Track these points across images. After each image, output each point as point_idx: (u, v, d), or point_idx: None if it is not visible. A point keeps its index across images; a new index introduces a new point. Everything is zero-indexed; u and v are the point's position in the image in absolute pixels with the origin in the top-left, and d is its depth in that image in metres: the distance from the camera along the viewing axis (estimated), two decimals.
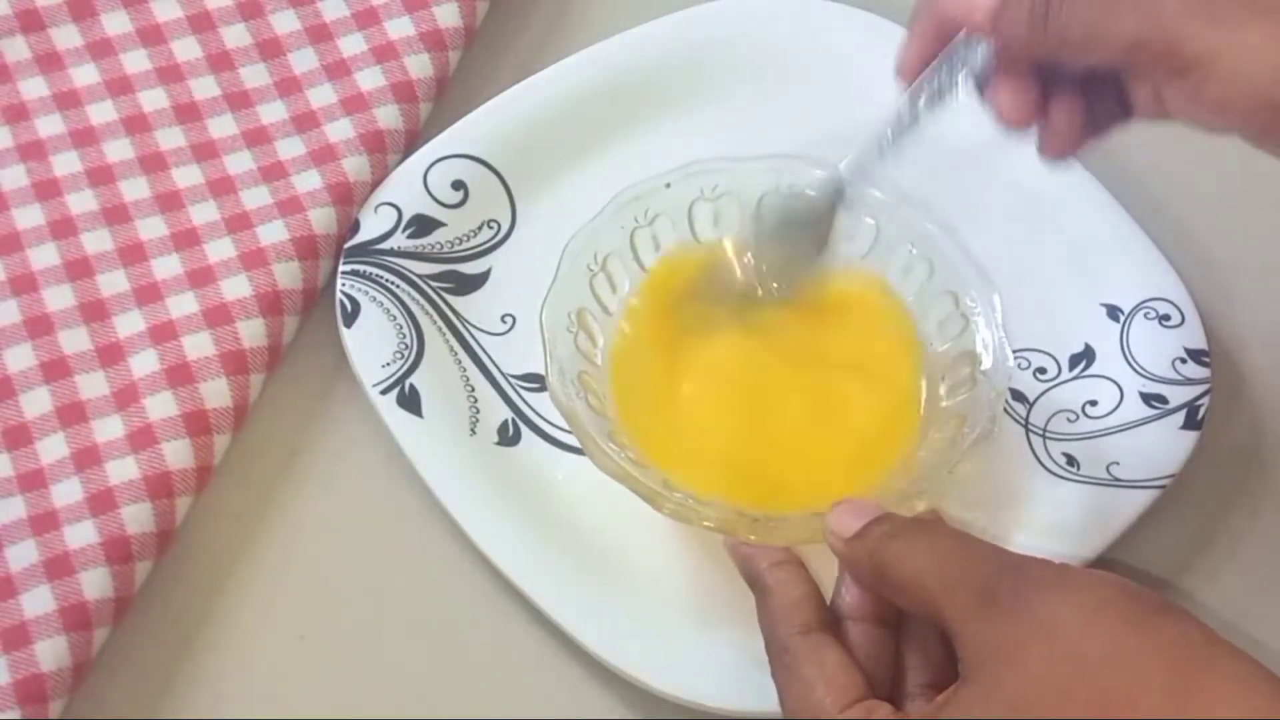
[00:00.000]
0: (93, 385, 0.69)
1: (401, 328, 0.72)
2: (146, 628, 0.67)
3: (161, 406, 0.68)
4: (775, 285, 0.71)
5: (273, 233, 0.73)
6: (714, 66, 0.79)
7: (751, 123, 0.79)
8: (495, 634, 0.68)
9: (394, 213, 0.75)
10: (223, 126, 0.76)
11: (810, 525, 0.62)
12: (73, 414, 0.69)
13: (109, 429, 0.68)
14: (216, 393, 0.69)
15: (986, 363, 0.68)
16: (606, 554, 0.69)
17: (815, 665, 0.58)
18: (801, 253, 0.71)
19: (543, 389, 0.69)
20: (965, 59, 0.65)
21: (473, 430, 0.71)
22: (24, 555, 0.65)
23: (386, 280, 0.73)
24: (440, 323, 0.73)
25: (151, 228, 0.73)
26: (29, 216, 0.73)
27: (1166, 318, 0.73)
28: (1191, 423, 0.71)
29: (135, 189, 0.74)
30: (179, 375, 0.69)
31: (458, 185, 0.76)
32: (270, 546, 0.69)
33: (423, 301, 0.73)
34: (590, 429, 0.65)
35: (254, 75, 0.78)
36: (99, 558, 0.65)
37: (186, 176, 0.75)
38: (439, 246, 0.75)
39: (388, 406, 0.70)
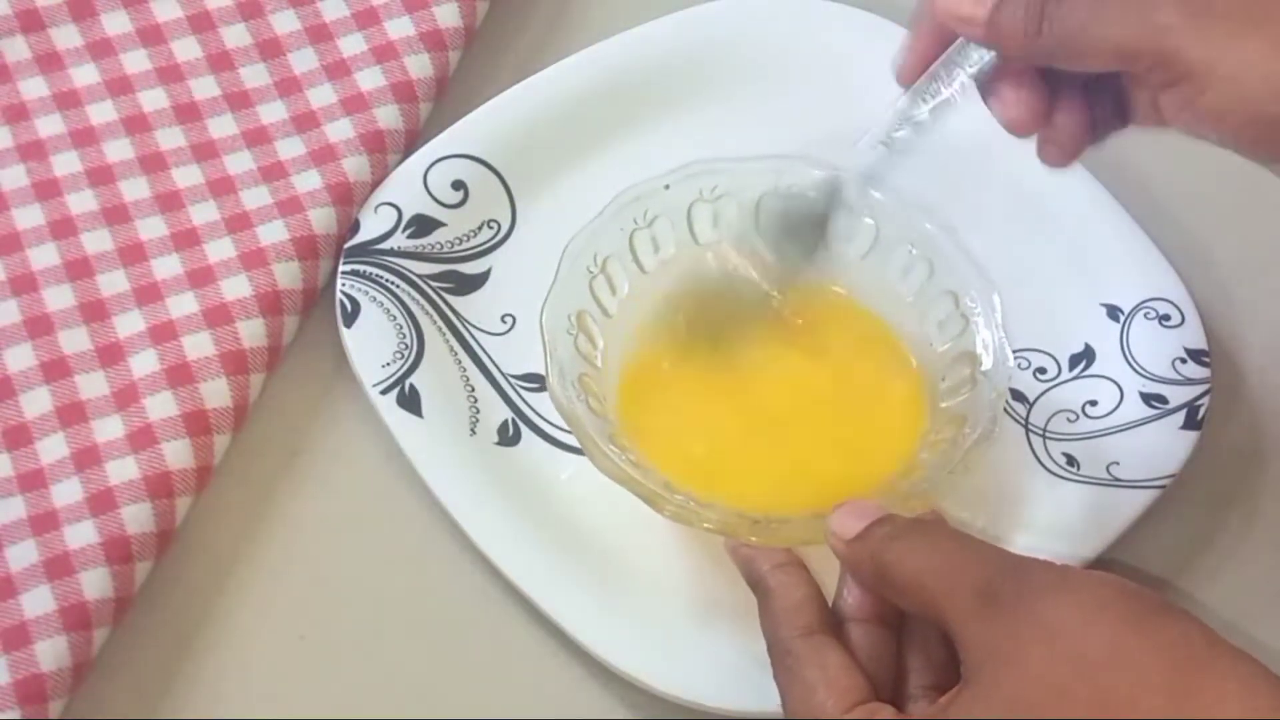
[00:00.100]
0: (93, 385, 0.69)
1: (401, 328, 0.72)
2: (146, 628, 0.67)
3: (161, 406, 0.68)
4: (775, 283, 0.71)
5: (273, 233, 0.73)
6: (714, 66, 0.79)
7: (751, 123, 0.79)
8: (495, 634, 0.68)
9: (394, 213, 0.75)
10: (223, 126, 0.76)
11: (812, 527, 0.62)
12: (73, 414, 0.69)
13: (109, 429, 0.68)
14: (216, 393, 0.69)
15: (987, 363, 0.68)
16: (606, 554, 0.69)
17: (817, 667, 0.58)
18: (800, 252, 0.71)
19: (543, 389, 0.69)
20: (963, 63, 0.65)
21: (473, 430, 0.71)
22: (24, 555, 0.65)
23: (386, 280, 0.73)
24: (440, 323, 0.73)
25: (151, 228, 0.73)
26: (29, 216, 0.73)
27: (1166, 318, 0.73)
28: (1191, 423, 0.71)
29: (135, 189, 0.74)
30: (179, 375, 0.69)
31: (458, 185, 0.76)
32: (270, 546, 0.69)
33: (423, 301, 0.73)
34: (591, 431, 0.65)
35: (254, 75, 0.77)
36: (99, 558, 0.65)
37: (186, 176, 0.75)
38: (439, 246, 0.75)
39: (388, 406, 0.70)
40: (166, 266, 0.72)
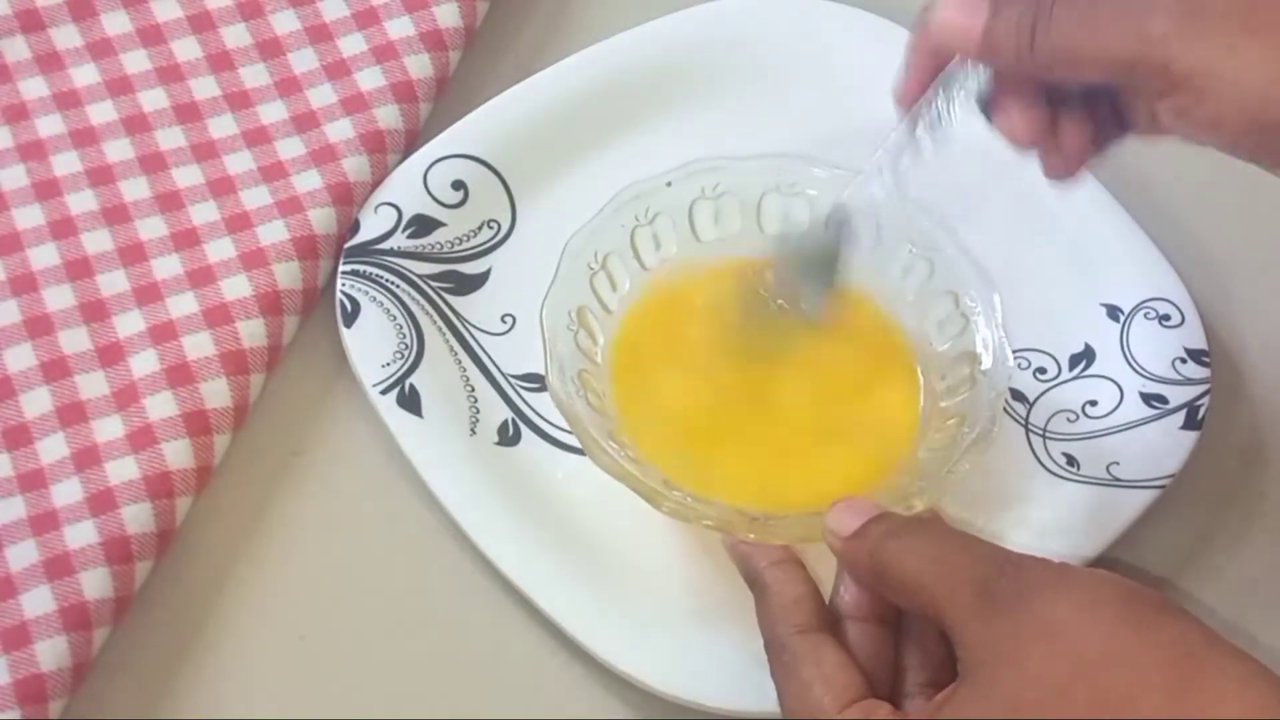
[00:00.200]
0: (93, 385, 0.69)
1: (401, 328, 0.72)
2: (146, 628, 0.67)
3: (161, 406, 0.68)
4: (799, 311, 0.70)
5: (273, 233, 0.73)
6: (714, 66, 0.79)
7: (751, 123, 0.79)
8: (495, 634, 0.68)
9: (394, 213, 0.75)
10: (223, 126, 0.76)
11: (809, 524, 0.62)
12: (73, 414, 0.69)
13: (109, 429, 0.68)
14: (216, 393, 0.69)
15: (986, 362, 0.68)
16: (606, 554, 0.69)
17: (814, 665, 0.58)
18: (818, 288, 0.70)
19: (543, 389, 0.69)
20: (961, 83, 0.64)
21: (473, 430, 0.71)
22: (24, 555, 0.65)
23: (386, 280, 0.73)
24: (440, 323, 0.73)
25: (151, 228, 0.73)
26: (29, 216, 0.73)
27: (1166, 318, 0.73)
28: (1191, 423, 0.71)
29: (135, 189, 0.74)
30: (179, 375, 0.69)
31: (458, 185, 0.76)
32: (270, 546, 0.69)
33: (423, 301, 0.73)
34: (590, 427, 0.65)
35: (254, 75, 0.78)
36: (99, 558, 0.65)
37: (186, 176, 0.75)
38: (439, 246, 0.75)
39: (388, 406, 0.70)
40: (166, 266, 0.72)
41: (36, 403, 0.69)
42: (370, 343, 0.72)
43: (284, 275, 0.72)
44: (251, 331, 0.71)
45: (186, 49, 0.78)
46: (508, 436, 0.71)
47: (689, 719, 0.66)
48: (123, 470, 0.67)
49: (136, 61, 0.77)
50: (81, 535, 0.65)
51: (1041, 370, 0.74)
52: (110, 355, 0.70)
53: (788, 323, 0.70)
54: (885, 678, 0.59)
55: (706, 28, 0.80)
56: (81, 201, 0.74)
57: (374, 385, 0.71)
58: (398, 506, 0.70)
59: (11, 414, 0.69)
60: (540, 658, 0.67)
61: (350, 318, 0.72)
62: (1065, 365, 0.74)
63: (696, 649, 0.66)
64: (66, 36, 0.78)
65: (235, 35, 0.78)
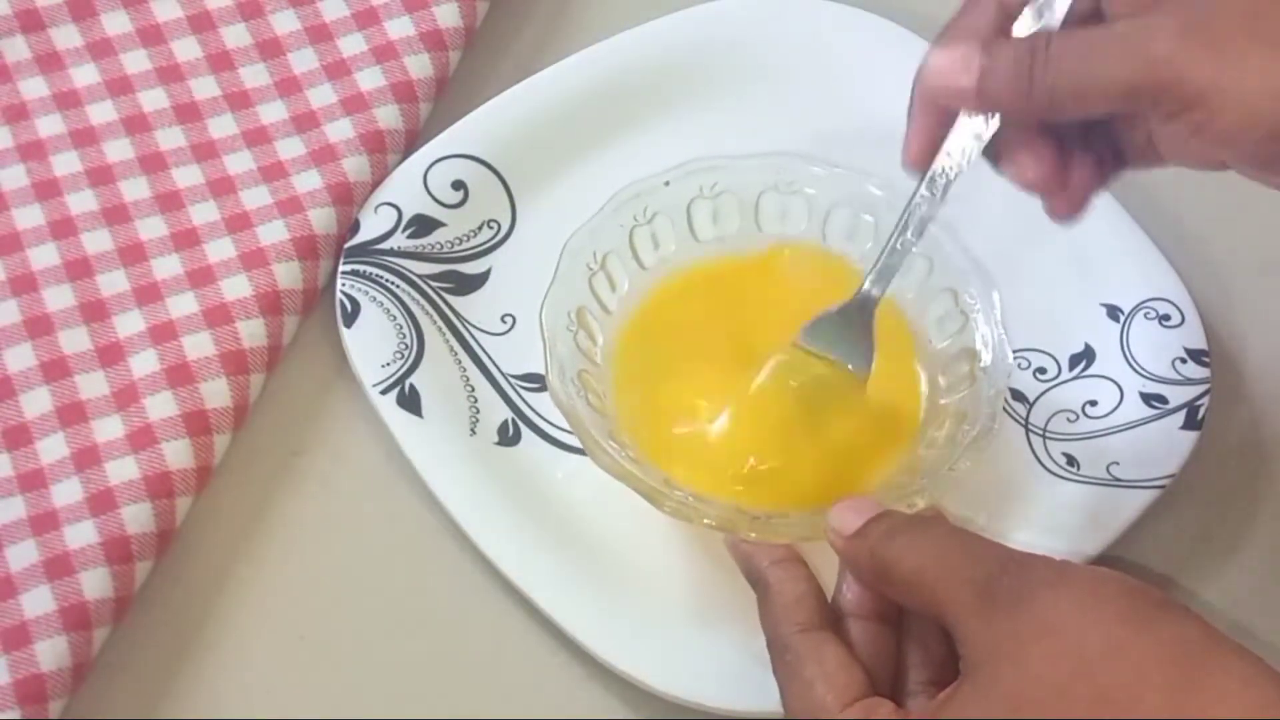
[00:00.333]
0: (93, 385, 0.69)
1: (401, 328, 0.72)
2: (146, 628, 0.67)
3: (161, 406, 0.68)
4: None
5: (273, 233, 0.73)
6: (714, 66, 0.79)
7: (751, 123, 0.79)
8: (495, 634, 0.68)
9: (394, 213, 0.75)
10: (223, 126, 0.76)
11: (811, 523, 0.62)
12: (73, 414, 0.69)
13: (109, 429, 0.68)
14: (216, 393, 0.69)
15: (986, 360, 0.68)
16: (607, 554, 0.69)
17: (816, 663, 0.58)
18: (850, 362, 0.69)
19: (543, 389, 0.69)
20: (968, 139, 0.63)
21: (473, 430, 0.71)
22: (24, 555, 0.65)
23: (386, 280, 0.73)
24: (440, 323, 0.73)
25: (151, 228, 0.73)
26: (29, 216, 0.73)
27: (1166, 318, 0.73)
28: (1191, 423, 0.71)
29: (135, 189, 0.74)
30: (179, 375, 0.69)
31: (458, 185, 0.76)
32: (270, 546, 0.69)
33: (423, 301, 0.73)
34: (590, 427, 0.65)
35: (254, 75, 0.78)
36: (99, 558, 0.65)
37: (186, 176, 0.75)
38: (439, 246, 0.75)
39: (388, 406, 0.70)
40: (166, 266, 0.72)
41: (36, 403, 0.69)
42: (370, 343, 0.72)
43: (284, 275, 0.72)
44: (251, 331, 0.71)
45: (186, 49, 0.78)
46: (508, 436, 0.71)
47: (689, 719, 0.66)
48: (123, 470, 0.67)
49: (136, 61, 0.77)
50: (81, 535, 0.65)
51: (1041, 370, 0.74)
52: (110, 355, 0.70)
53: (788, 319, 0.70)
54: (887, 676, 0.59)
55: (706, 28, 0.80)
56: (81, 201, 0.74)
57: (374, 385, 0.71)
58: (398, 506, 0.70)
59: (11, 414, 0.69)
60: (540, 658, 0.67)
61: (350, 318, 0.72)
62: (1065, 365, 0.74)
63: (696, 649, 0.66)
64: (66, 36, 0.78)
65: (235, 35, 0.78)
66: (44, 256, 0.72)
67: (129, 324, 0.71)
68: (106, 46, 0.78)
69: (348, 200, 0.74)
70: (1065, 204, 0.63)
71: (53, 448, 0.68)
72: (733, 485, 0.66)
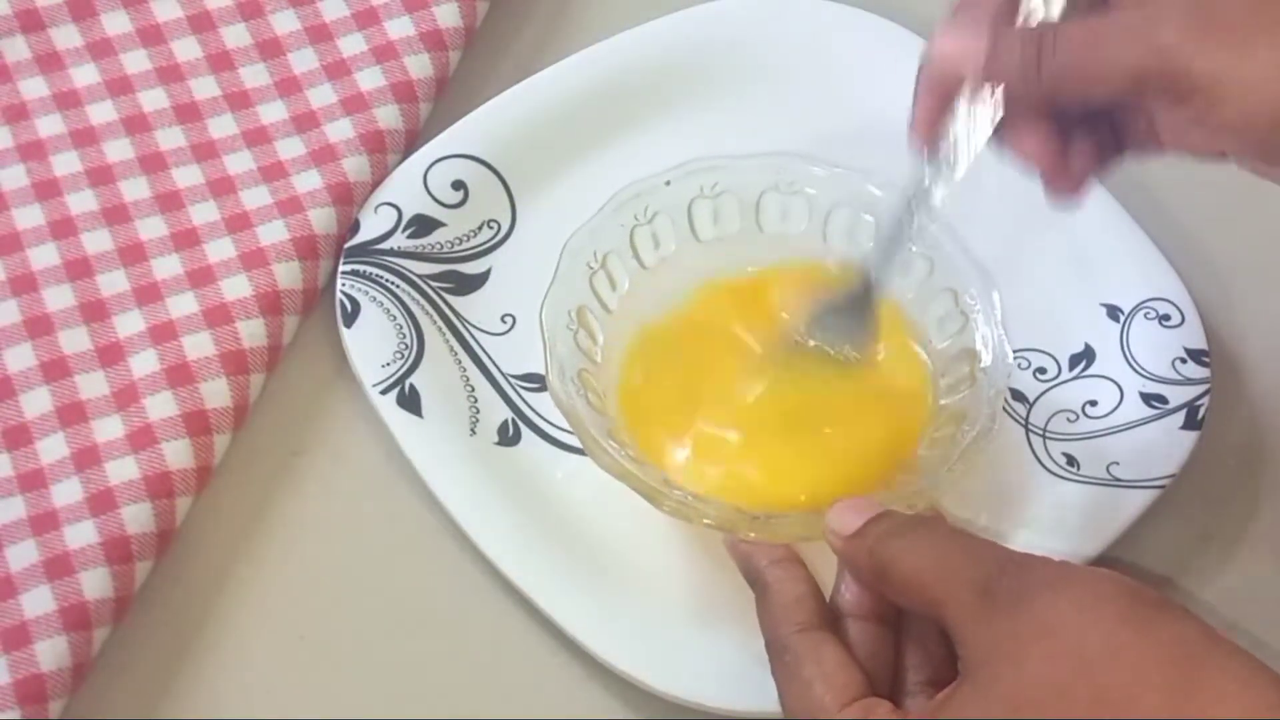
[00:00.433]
0: (93, 385, 0.69)
1: (401, 328, 0.72)
2: (146, 628, 0.67)
3: (161, 406, 0.68)
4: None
5: (273, 233, 0.73)
6: (714, 66, 0.79)
7: (751, 123, 0.79)
8: (495, 634, 0.68)
9: (394, 213, 0.75)
10: (223, 126, 0.76)
11: (810, 523, 0.62)
12: (73, 414, 0.69)
13: (109, 429, 0.68)
14: (216, 393, 0.69)
15: (986, 360, 0.68)
16: (607, 554, 0.69)
17: (814, 664, 0.58)
18: (852, 342, 0.69)
19: (543, 389, 0.69)
20: (976, 119, 0.63)
21: (473, 430, 0.71)
22: (24, 555, 0.65)
23: (386, 280, 0.73)
24: (440, 323, 0.73)
25: (151, 228, 0.73)
26: (29, 216, 0.73)
27: (1166, 318, 0.73)
28: (1191, 423, 0.71)
29: (135, 189, 0.74)
30: (179, 375, 0.69)
31: (458, 185, 0.76)
32: (270, 546, 0.69)
33: (423, 301, 0.73)
34: (590, 427, 0.65)
35: (254, 75, 0.78)
36: (99, 558, 0.65)
37: (186, 176, 0.75)
38: (439, 246, 0.75)
39: (388, 406, 0.70)
40: (166, 266, 0.72)
41: (36, 403, 0.69)
42: (370, 343, 0.72)
43: (284, 275, 0.72)
44: (251, 331, 0.71)
45: (186, 49, 0.78)
46: (508, 436, 0.71)
47: (689, 719, 0.66)
48: (123, 470, 0.67)
49: (136, 61, 0.77)
50: (81, 535, 0.65)
51: (1041, 370, 0.74)
52: (110, 355, 0.70)
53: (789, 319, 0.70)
54: (886, 676, 0.59)
55: (706, 28, 0.80)
56: (81, 201, 0.74)
57: (374, 385, 0.71)
58: (398, 506, 0.70)
59: (11, 414, 0.69)
60: (540, 658, 0.67)
61: (350, 318, 0.72)
62: (1065, 365, 0.74)
63: (696, 649, 0.66)
64: (66, 36, 0.78)
65: (235, 35, 0.78)
66: (44, 256, 0.72)
67: (129, 324, 0.71)
68: (106, 46, 0.78)
69: (348, 200, 0.74)
70: (1065, 183, 0.63)
71: (53, 448, 0.68)
72: (732, 485, 0.66)
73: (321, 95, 0.77)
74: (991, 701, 0.53)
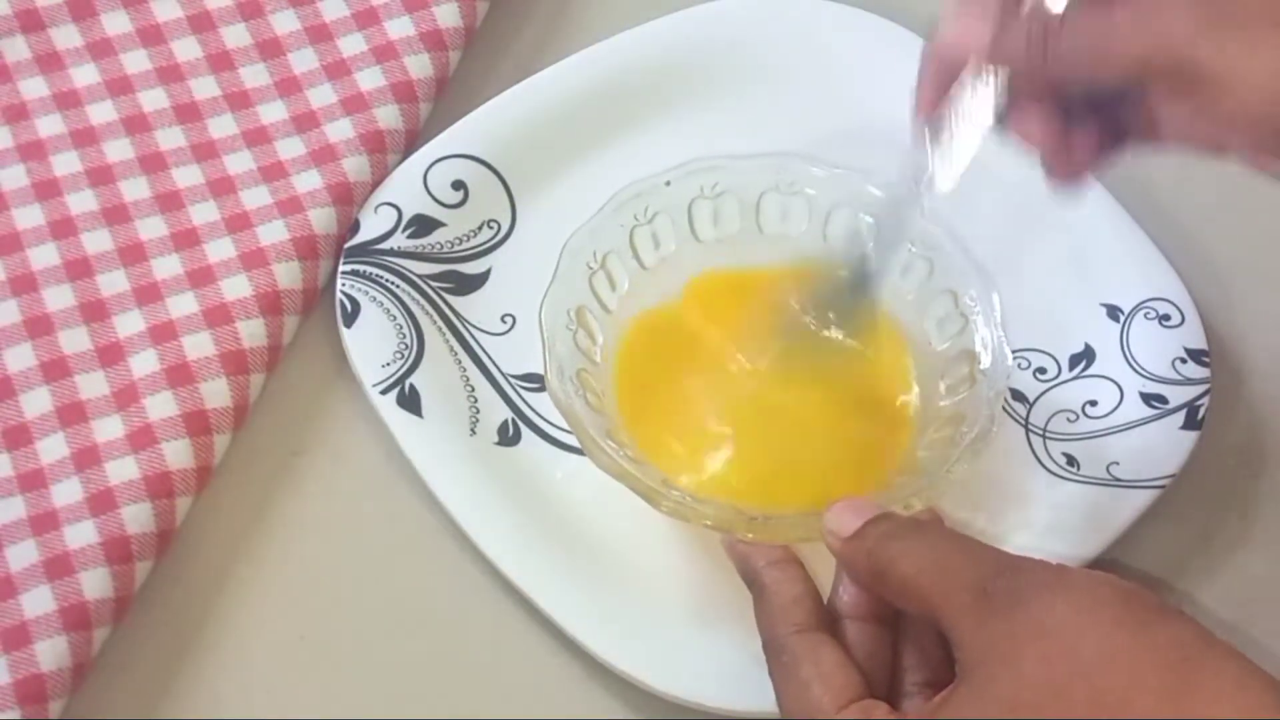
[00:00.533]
0: (93, 385, 0.69)
1: (401, 328, 0.72)
2: (146, 628, 0.67)
3: (161, 406, 0.69)
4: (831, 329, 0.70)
5: (273, 233, 0.73)
6: (714, 66, 0.79)
7: (751, 123, 0.78)
8: (495, 634, 0.68)
9: (394, 213, 0.75)
10: (223, 126, 0.76)
11: (808, 524, 0.62)
12: (73, 414, 0.69)
13: (109, 429, 0.68)
14: (216, 393, 0.69)
15: (985, 362, 0.68)
16: (607, 554, 0.69)
17: (812, 664, 0.58)
18: (850, 307, 0.70)
19: (543, 389, 0.69)
20: (979, 99, 0.63)
21: (473, 430, 0.71)
22: (24, 555, 0.65)
23: (386, 280, 0.73)
24: (440, 323, 0.73)
25: (151, 228, 0.73)
26: (29, 216, 0.73)
27: (1166, 318, 0.73)
28: (1191, 423, 0.71)
29: (135, 189, 0.74)
30: (179, 375, 0.69)
31: (458, 185, 0.76)
32: (270, 546, 0.69)
33: (423, 301, 0.73)
34: (588, 427, 0.65)
35: (254, 75, 0.78)
36: (99, 558, 0.65)
37: (186, 176, 0.75)
38: (439, 246, 0.75)
39: (388, 406, 0.70)
40: (166, 266, 0.72)
41: (36, 403, 0.69)
42: (370, 343, 0.72)
43: (284, 275, 0.72)
44: (251, 331, 0.71)
45: (186, 49, 0.78)
46: (508, 436, 0.71)
47: (689, 719, 0.66)
48: (123, 470, 0.67)
49: (136, 61, 0.77)
50: (81, 535, 0.65)
51: (1041, 370, 0.74)
52: (110, 355, 0.70)
53: (808, 334, 0.70)
54: (883, 677, 0.59)
55: (706, 28, 0.80)
56: (81, 201, 0.74)
57: (374, 385, 0.71)
58: (398, 506, 0.70)
59: (11, 414, 0.69)
60: (540, 658, 0.67)
61: (350, 318, 0.72)
62: (1065, 365, 0.74)
63: (696, 649, 0.66)
64: (66, 36, 0.78)
65: (235, 35, 0.78)
66: (44, 256, 0.72)
67: (129, 324, 0.71)
68: (106, 46, 0.78)
69: (348, 200, 0.74)
70: (1066, 169, 0.63)
71: (53, 448, 0.68)
72: (730, 483, 0.66)
73: (321, 95, 0.77)
74: (988, 703, 0.53)
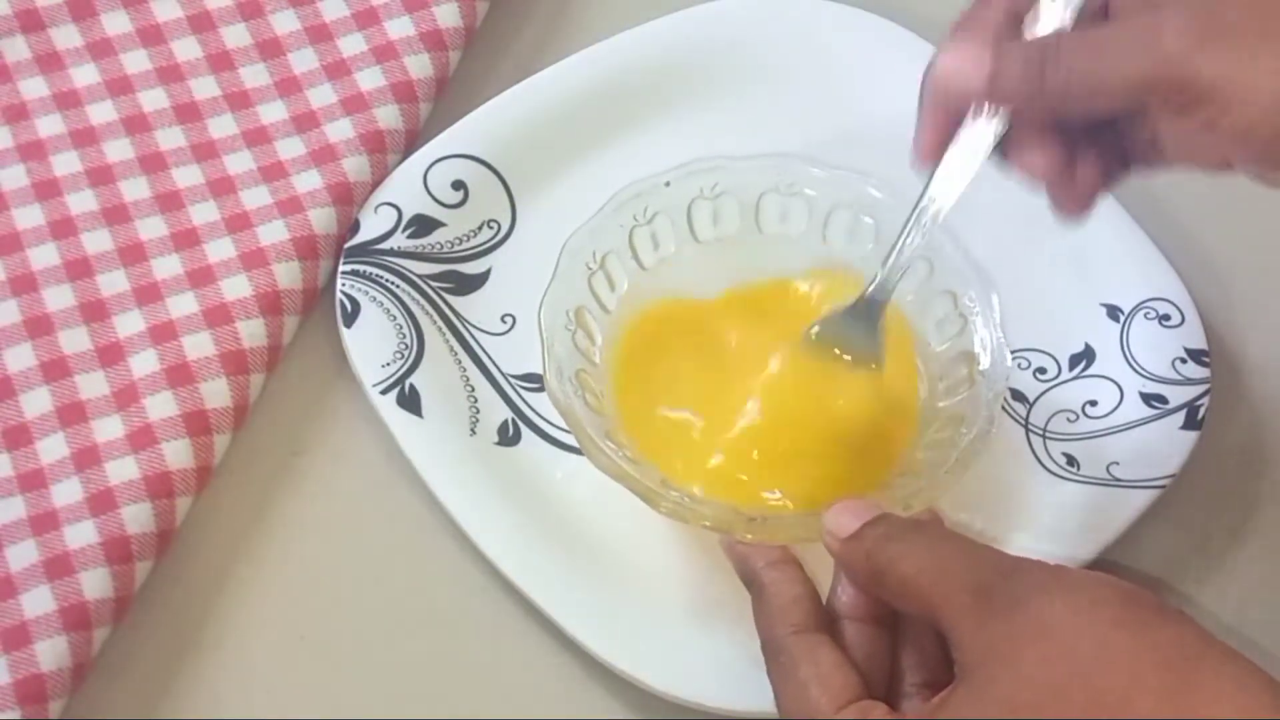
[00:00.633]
0: (93, 385, 0.69)
1: (401, 328, 0.72)
2: (146, 628, 0.67)
3: (161, 406, 0.69)
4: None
5: (273, 233, 0.73)
6: (714, 66, 0.79)
7: (751, 123, 0.79)
8: (495, 634, 0.68)
9: (394, 213, 0.75)
10: (223, 126, 0.76)
11: (807, 525, 0.62)
12: (73, 414, 0.69)
13: (109, 429, 0.68)
14: (216, 393, 0.69)
15: (984, 363, 0.68)
16: (606, 554, 0.69)
17: (810, 665, 0.58)
18: (857, 362, 0.69)
19: (543, 389, 0.69)
20: (981, 136, 0.63)
21: (473, 430, 0.71)
22: (24, 555, 0.65)
23: (386, 280, 0.73)
24: (440, 323, 0.73)
25: (151, 228, 0.73)
26: (29, 216, 0.73)
27: (1166, 318, 0.73)
28: (1191, 423, 0.71)
29: (135, 189, 0.74)
30: (179, 375, 0.69)
31: (458, 185, 0.76)
32: (270, 546, 0.69)
33: (423, 301, 0.73)
34: (587, 427, 0.65)
35: (254, 75, 0.78)
36: (99, 558, 0.65)
37: (186, 176, 0.75)
38: (439, 246, 0.75)
39: (388, 406, 0.70)
40: (166, 266, 0.72)
41: (36, 403, 0.69)
42: (370, 343, 0.72)
43: (284, 275, 0.72)
44: (251, 331, 0.71)
45: (186, 49, 0.78)
46: (508, 436, 0.71)
47: (689, 719, 0.66)
48: (123, 470, 0.67)
49: (136, 61, 0.77)
50: (81, 535, 0.65)
51: (1041, 370, 0.74)
52: (110, 355, 0.70)
53: (787, 320, 0.70)
54: (882, 678, 0.59)
55: (706, 28, 0.80)
56: (81, 201, 0.74)
57: (374, 385, 0.71)
58: (398, 506, 0.70)
59: (11, 414, 0.69)
60: (540, 658, 0.67)
61: (350, 318, 0.72)
62: (1065, 365, 0.74)
63: (696, 649, 0.66)
64: (66, 36, 0.78)
65: (235, 35, 0.78)
66: (44, 256, 0.72)
67: (129, 324, 0.71)
68: (106, 46, 0.78)
69: (348, 200, 0.74)
70: (1072, 200, 0.63)
71: (53, 448, 0.68)
72: (729, 484, 0.66)
73: (321, 95, 0.77)
74: (987, 703, 0.53)
